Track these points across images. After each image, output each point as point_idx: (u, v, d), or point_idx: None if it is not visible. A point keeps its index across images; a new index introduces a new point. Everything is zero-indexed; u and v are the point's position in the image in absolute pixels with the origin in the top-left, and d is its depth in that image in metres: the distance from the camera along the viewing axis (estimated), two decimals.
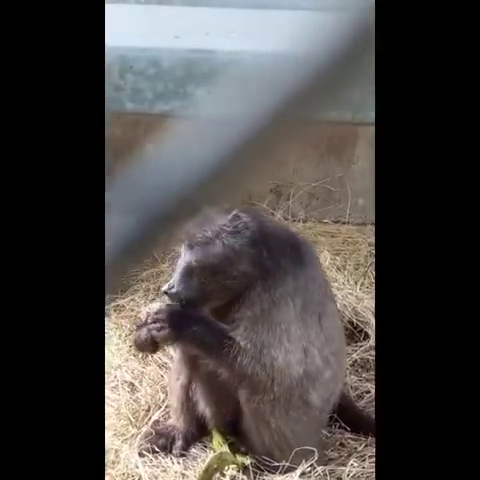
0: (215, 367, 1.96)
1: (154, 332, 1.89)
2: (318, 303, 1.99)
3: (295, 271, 1.96)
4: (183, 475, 2.04)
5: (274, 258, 1.94)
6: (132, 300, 2.82)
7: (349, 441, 2.21)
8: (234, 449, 2.11)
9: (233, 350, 1.90)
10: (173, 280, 1.93)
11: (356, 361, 2.54)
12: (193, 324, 1.91)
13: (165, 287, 1.93)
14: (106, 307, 2.56)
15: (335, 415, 2.22)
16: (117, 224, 0.73)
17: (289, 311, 1.93)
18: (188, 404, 2.15)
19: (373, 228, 3.32)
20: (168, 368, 2.39)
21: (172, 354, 2.37)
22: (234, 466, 2.05)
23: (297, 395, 1.98)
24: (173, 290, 1.91)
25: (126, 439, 2.16)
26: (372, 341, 2.59)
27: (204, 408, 2.12)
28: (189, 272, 1.91)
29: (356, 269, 3.02)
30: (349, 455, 2.14)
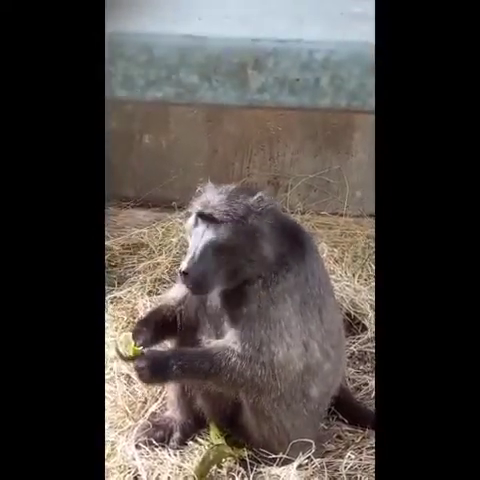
0: (217, 387, 1.93)
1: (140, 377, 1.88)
2: (318, 296, 1.96)
3: (297, 267, 1.91)
4: (180, 467, 2.04)
5: (282, 248, 1.89)
6: (129, 292, 2.81)
7: (346, 433, 2.21)
8: (231, 441, 2.10)
9: (229, 360, 1.86)
10: (191, 258, 1.79)
11: (354, 353, 2.53)
12: (174, 361, 1.85)
13: (184, 266, 1.78)
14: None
15: (333, 408, 2.22)
16: None
17: (288, 307, 1.89)
18: (185, 396, 2.14)
19: (371, 220, 3.31)
20: None
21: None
22: (231, 458, 2.04)
23: (298, 389, 1.96)
24: (193, 271, 1.78)
25: (123, 431, 2.15)
26: (370, 333, 2.58)
27: (202, 403, 2.11)
28: (211, 250, 1.79)
29: (354, 261, 3.01)
30: (346, 447, 2.13)
